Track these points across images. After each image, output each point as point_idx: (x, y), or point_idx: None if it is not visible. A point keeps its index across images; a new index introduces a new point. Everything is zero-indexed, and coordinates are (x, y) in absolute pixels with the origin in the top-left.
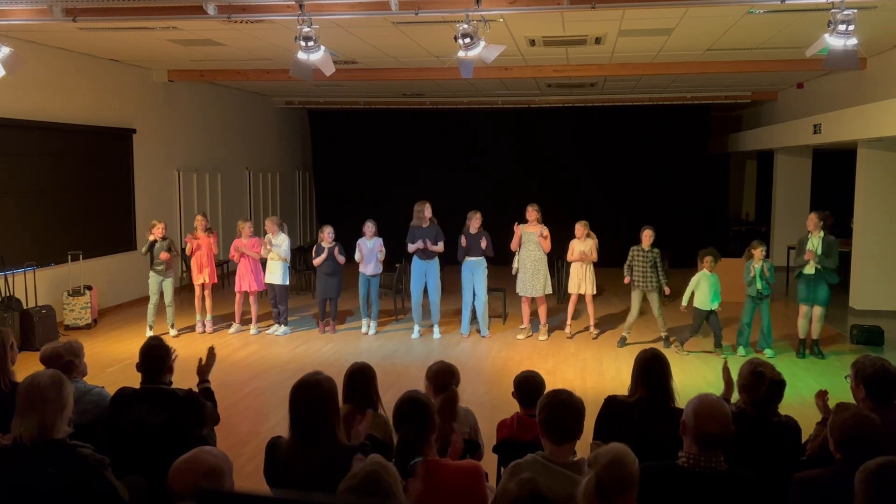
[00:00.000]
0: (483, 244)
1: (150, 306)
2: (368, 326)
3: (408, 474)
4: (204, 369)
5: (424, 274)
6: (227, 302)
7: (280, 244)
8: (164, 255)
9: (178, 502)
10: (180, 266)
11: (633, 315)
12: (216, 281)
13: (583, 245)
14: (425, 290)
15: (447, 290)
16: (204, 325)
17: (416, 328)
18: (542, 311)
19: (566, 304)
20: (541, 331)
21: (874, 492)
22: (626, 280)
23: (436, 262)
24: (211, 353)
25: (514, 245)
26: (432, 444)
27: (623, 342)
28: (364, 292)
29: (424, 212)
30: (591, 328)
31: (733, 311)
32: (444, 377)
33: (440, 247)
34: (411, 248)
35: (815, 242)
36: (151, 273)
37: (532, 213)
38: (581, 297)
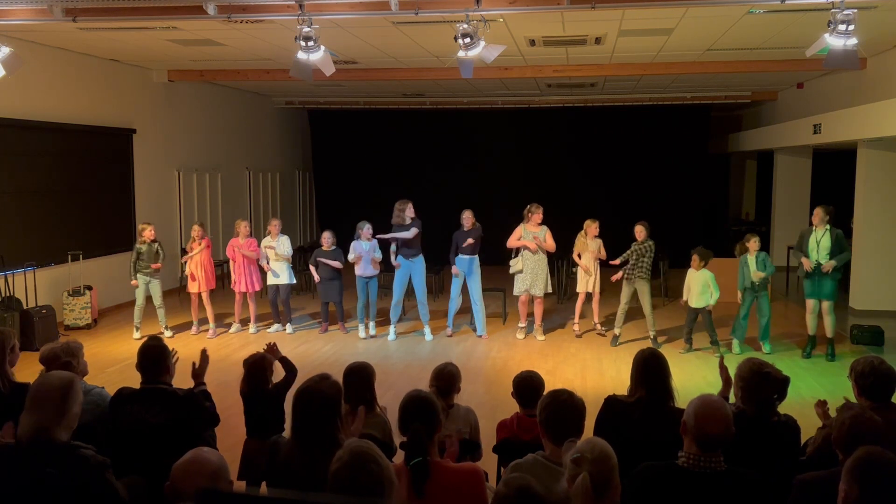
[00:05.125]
0: (471, 241)
1: (137, 308)
2: (367, 328)
3: (412, 473)
4: (198, 372)
5: (408, 273)
6: (224, 303)
7: (281, 246)
8: (155, 266)
9: (178, 503)
10: (179, 267)
11: (622, 306)
12: (213, 287)
13: (593, 244)
14: (410, 291)
15: (445, 290)
16: (198, 328)
17: (392, 329)
18: (539, 312)
19: (566, 304)
20: (536, 331)
21: (864, 482)
22: (620, 275)
23: (420, 260)
24: (203, 355)
25: (511, 243)
26: (436, 444)
27: (615, 341)
28: (363, 296)
29: (406, 211)
30: (598, 326)
31: (730, 311)
32: (446, 380)
33: (410, 233)
34: (381, 236)
35: (819, 236)
36: (137, 275)
37: (537, 216)
38: (588, 296)
